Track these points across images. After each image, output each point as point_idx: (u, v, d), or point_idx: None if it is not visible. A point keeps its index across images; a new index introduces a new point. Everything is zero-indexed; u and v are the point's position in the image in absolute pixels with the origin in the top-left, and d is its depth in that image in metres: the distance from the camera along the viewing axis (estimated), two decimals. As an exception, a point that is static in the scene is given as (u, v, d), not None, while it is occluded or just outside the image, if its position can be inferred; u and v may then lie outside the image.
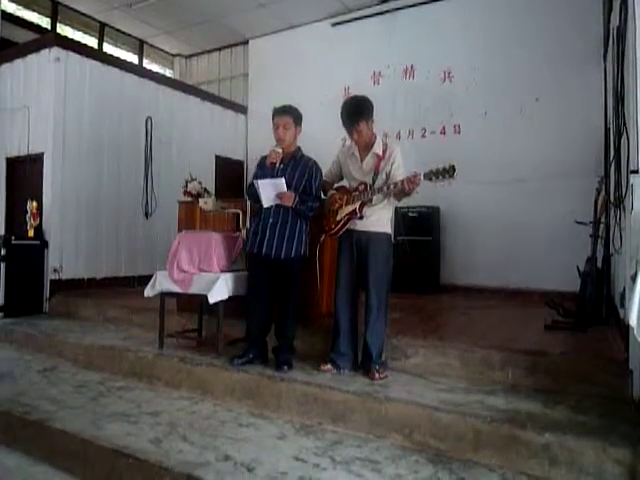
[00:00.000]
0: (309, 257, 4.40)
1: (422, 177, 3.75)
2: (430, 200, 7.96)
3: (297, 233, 4.27)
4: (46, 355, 5.49)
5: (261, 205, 4.28)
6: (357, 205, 4.04)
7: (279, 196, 4.16)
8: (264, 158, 4.43)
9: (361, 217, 4.04)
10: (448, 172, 3.66)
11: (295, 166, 4.31)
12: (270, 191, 4.18)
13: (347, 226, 4.12)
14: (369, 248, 4.05)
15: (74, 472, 3.31)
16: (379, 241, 4.08)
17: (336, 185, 4.40)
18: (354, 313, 4.20)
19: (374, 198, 4.03)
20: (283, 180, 4.15)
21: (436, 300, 7.23)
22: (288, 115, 4.32)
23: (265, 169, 4.31)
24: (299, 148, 4.42)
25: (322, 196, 4.46)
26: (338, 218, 4.16)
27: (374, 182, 4.03)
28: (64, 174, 7.51)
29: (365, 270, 4.06)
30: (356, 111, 4.08)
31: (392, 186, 3.91)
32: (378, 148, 4.09)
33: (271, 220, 4.24)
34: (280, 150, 4.27)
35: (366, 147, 4.14)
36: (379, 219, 4.10)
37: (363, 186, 4.06)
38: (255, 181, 4.20)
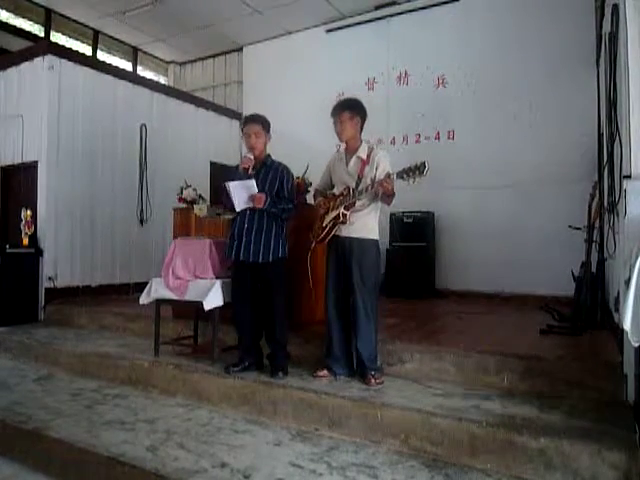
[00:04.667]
0: (301, 263, 4.41)
1: (395, 176, 3.78)
2: (425, 205, 8.01)
3: (273, 236, 4.30)
4: (41, 363, 5.47)
5: (235, 211, 4.33)
6: (341, 209, 4.05)
7: (251, 198, 4.20)
8: (235, 168, 4.54)
9: (344, 222, 4.05)
10: (419, 169, 3.67)
11: (267, 172, 4.38)
12: (242, 193, 4.22)
13: (333, 232, 4.13)
14: (354, 254, 4.06)
15: (70, 481, 3.31)
16: (365, 247, 4.08)
17: (328, 192, 4.41)
18: (346, 319, 4.20)
19: (358, 202, 4.04)
20: (254, 181, 4.19)
21: (431, 305, 7.25)
22: (258, 123, 4.40)
23: (238, 176, 4.34)
24: (269, 155, 4.49)
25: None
26: (324, 224, 4.18)
27: (357, 186, 4.06)
28: (58, 182, 7.49)
29: (350, 277, 4.07)
30: (344, 103, 4.23)
31: (370, 188, 3.94)
32: (362, 152, 4.14)
33: (246, 225, 4.29)
34: (252, 157, 4.32)
35: (352, 151, 4.20)
36: (365, 225, 4.11)
37: (347, 190, 4.08)
38: (226, 183, 4.23)
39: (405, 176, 3.73)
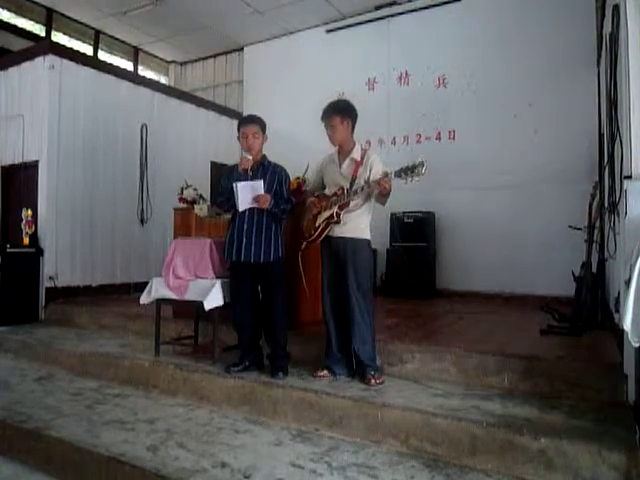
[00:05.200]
0: (293, 263, 4.41)
1: (393, 175, 3.79)
2: (425, 206, 8.00)
3: (273, 236, 4.32)
4: (42, 363, 5.47)
5: (236, 211, 4.32)
6: (335, 209, 4.05)
7: (256, 199, 4.20)
8: (231, 168, 4.57)
9: (338, 221, 4.05)
10: (417, 168, 3.69)
11: (264, 172, 4.37)
12: (247, 194, 4.22)
13: (326, 232, 4.14)
14: (347, 255, 4.06)
15: (70, 480, 3.31)
16: (357, 247, 4.09)
17: (317, 193, 4.42)
18: (344, 318, 4.20)
19: (352, 202, 4.05)
20: (261, 182, 4.22)
21: (432, 305, 7.24)
22: (256, 124, 4.40)
23: (237, 176, 4.35)
24: (265, 155, 4.49)
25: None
26: (317, 224, 4.19)
27: (352, 186, 4.06)
28: (59, 182, 7.50)
29: (344, 277, 4.07)
30: (333, 107, 4.20)
31: (366, 187, 3.95)
32: (356, 154, 4.15)
33: (246, 226, 4.29)
34: (250, 157, 4.33)
35: (345, 152, 4.21)
36: (357, 225, 4.11)
37: (341, 190, 4.08)
38: (234, 184, 4.23)
39: (403, 175, 3.75)
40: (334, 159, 4.28)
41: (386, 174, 3.82)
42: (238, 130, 4.44)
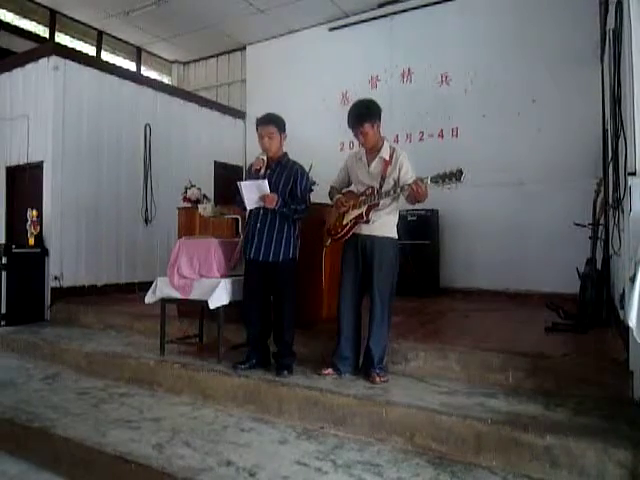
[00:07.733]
0: (315, 261, 4.40)
1: (429, 181, 3.77)
2: (429, 203, 7.89)
3: (284, 237, 4.30)
4: (48, 362, 5.50)
5: (250, 210, 4.32)
6: (364, 209, 4.05)
7: (262, 198, 4.19)
8: (250, 167, 4.53)
9: (367, 221, 4.05)
10: (455, 175, 3.68)
11: (281, 171, 4.36)
12: (253, 193, 4.21)
13: (353, 230, 4.13)
14: (374, 253, 4.05)
15: (77, 479, 3.32)
16: (385, 246, 4.08)
17: (344, 190, 4.40)
18: (357, 317, 4.21)
19: (381, 202, 4.04)
20: (266, 182, 4.18)
21: (436, 303, 7.22)
22: (272, 125, 4.37)
23: (251, 176, 4.35)
24: (285, 153, 4.47)
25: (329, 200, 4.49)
26: (344, 222, 4.17)
27: (381, 187, 4.04)
28: (64, 182, 7.53)
29: (370, 275, 4.06)
30: (361, 113, 4.11)
31: (399, 190, 3.92)
32: (385, 153, 4.10)
33: (259, 225, 4.30)
34: (264, 157, 4.32)
35: (373, 151, 4.16)
36: (385, 224, 4.11)
37: (370, 190, 4.06)
38: (238, 183, 4.24)
39: (440, 181, 3.72)
40: (361, 157, 4.24)
41: (421, 179, 3.78)
42: (256, 130, 4.42)
